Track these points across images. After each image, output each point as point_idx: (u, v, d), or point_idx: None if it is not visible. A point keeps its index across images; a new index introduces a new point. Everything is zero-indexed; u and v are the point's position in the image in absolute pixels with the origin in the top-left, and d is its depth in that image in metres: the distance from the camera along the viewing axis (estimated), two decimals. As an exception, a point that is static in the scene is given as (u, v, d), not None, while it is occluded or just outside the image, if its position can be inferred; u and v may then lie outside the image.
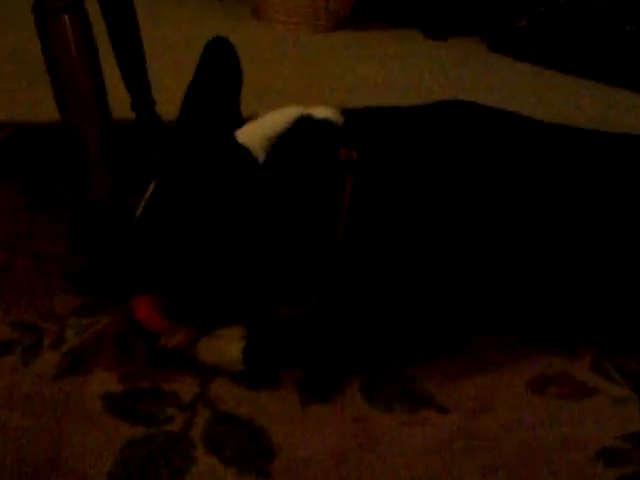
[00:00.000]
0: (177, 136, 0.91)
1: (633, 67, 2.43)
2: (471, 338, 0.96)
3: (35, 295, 0.98)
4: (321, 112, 0.91)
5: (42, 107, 1.39)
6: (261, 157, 0.84)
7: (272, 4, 2.90)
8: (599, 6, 2.61)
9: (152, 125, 1.55)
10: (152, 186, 0.87)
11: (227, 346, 0.88)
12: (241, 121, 0.92)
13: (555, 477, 0.77)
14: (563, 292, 0.95)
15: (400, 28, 3.12)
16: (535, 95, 2.32)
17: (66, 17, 0.99)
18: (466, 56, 2.78)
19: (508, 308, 0.96)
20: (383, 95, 2.15)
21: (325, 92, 2.12)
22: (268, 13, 2.96)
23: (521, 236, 0.91)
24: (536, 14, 2.76)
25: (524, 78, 2.53)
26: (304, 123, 0.87)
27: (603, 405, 0.88)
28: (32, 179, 1.32)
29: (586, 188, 0.94)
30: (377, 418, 0.82)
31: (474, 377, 0.90)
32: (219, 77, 0.90)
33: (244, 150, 0.84)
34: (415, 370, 0.90)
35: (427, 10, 3.04)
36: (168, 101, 1.60)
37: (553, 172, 0.93)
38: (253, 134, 0.86)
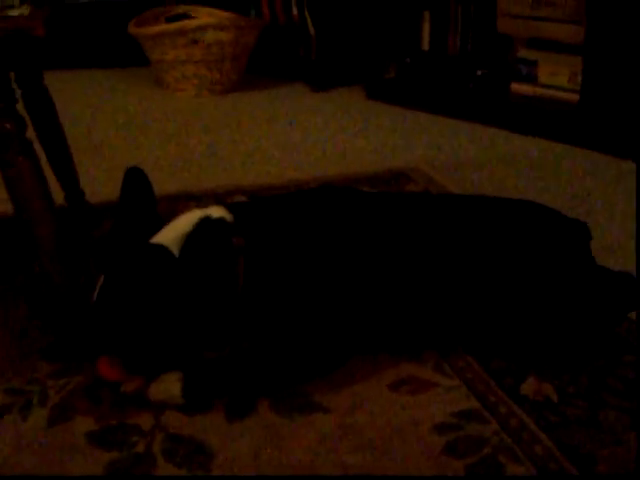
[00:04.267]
0: (115, 243, 1.26)
1: (485, 105, 2.89)
2: (347, 361, 1.32)
3: (19, 366, 1.31)
4: (216, 212, 1.27)
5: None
6: (176, 252, 1.20)
7: (172, 74, 3.26)
8: (455, 55, 3.07)
9: (84, 213, 1.88)
10: (101, 281, 1.22)
11: (170, 387, 1.22)
12: (161, 222, 1.28)
13: (405, 445, 1.14)
14: (411, 321, 1.34)
15: (288, 83, 3.51)
16: (402, 134, 2.77)
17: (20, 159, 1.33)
18: (347, 105, 3.19)
19: (370, 336, 1.35)
20: (277, 155, 2.52)
21: (225, 160, 2.47)
22: (169, 83, 3.31)
23: (366, 290, 1.29)
24: (403, 64, 3.20)
25: (395, 120, 2.96)
26: (205, 223, 1.22)
27: (440, 393, 1.26)
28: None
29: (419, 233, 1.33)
30: (281, 424, 1.18)
31: (349, 385, 1.27)
32: (138, 199, 1.25)
33: (165, 249, 1.20)
34: (307, 387, 1.26)
35: (311, 65, 3.45)
36: (93, 179, 1.95)
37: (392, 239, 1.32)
38: (169, 236, 1.22)
